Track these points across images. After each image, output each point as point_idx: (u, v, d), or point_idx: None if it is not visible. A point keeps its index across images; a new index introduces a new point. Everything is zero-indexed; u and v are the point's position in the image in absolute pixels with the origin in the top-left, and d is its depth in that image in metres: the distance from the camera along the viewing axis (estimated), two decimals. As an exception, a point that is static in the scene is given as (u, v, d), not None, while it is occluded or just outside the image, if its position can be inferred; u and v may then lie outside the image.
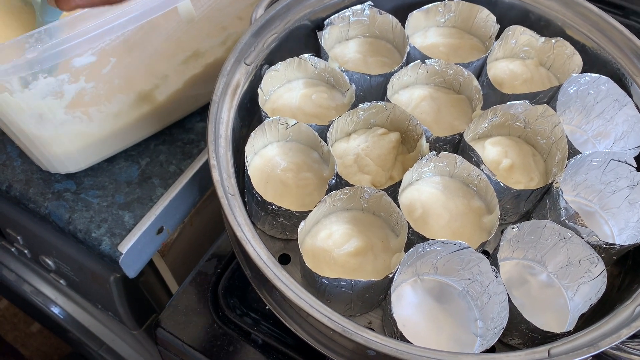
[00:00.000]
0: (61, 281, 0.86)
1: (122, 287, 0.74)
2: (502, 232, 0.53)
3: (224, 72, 0.54)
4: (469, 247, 0.49)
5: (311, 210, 0.51)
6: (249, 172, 0.53)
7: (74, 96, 0.61)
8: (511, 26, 0.62)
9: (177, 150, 0.73)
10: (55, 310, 0.96)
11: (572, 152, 0.55)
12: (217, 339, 0.61)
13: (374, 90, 0.61)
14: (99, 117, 0.65)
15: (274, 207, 0.52)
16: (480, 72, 0.63)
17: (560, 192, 0.51)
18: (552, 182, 0.53)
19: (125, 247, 0.65)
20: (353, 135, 0.60)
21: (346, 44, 0.66)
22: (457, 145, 0.58)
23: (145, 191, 0.69)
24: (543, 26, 0.64)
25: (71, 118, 0.63)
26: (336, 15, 0.63)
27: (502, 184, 0.53)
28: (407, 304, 0.52)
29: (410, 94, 0.62)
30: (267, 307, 0.62)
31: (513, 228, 0.51)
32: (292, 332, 0.53)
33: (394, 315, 0.46)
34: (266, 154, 0.58)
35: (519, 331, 0.49)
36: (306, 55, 0.60)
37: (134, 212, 0.67)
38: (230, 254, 0.67)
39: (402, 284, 0.53)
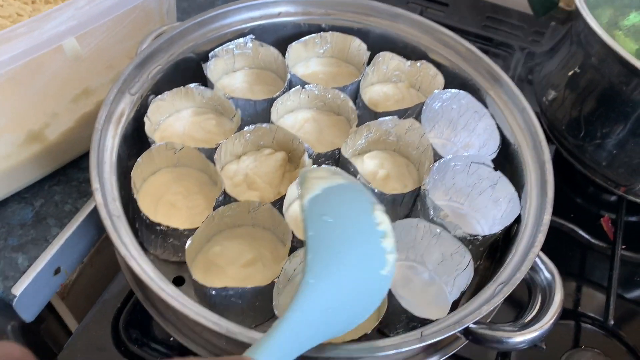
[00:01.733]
0: (-47, 338, 0.81)
1: (21, 336, 0.71)
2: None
3: (107, 102, 0.56)
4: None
5: (198, 227, 0.53)
6: (137, 198, 0.55)
7: (-45, 136, 0.60)
8: (381, 52, 0.69)
9: (72, 190, 0.72)
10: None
11: (439, 159, 0.61)
12: (120, 374, 0.61)
13: (259, 115, 0.65)
14: (-14, 160, 0.64)
15: (161, 227, 0.53)
16: (356, 95, 0.68)
17: (427, 193, 0.56)
18: (421, 186, 0.58)
19: (19, 289, 0.63)
20: (243, 157, 0.63)
21: (233, 75, 0.70)
22: (337, 160, 0.62)
23: (40, 232, 0.68)
24: (410, 51, 0.71)
25: (-46, 160, 0.62)
26: (220, 47, 0.67)
27: (376, 190, 0.57)
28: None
29: (294, 117, 0.67)
30: (171, 339, 0.63)
31: (387, 227, 0.55)
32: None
33: (277, 313, 0.48)
34: (155, 180, 0.59)
35: (401, 322, 0.52)
36: (192, 85, 0.63)
37: (28, 253, 0.66)
38: (130, 288, 0.67)
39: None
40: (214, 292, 0.49)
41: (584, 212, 0.83)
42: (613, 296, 0.68)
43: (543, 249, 0.53)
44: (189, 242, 0.51)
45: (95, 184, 0.50)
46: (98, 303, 0.66)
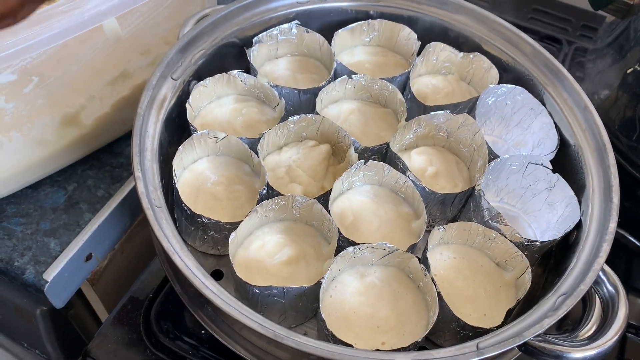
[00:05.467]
0: (-19, 320, 0.80)
1: (49, 321, 0.70)
2: (431, 236, 0.54)
3: (150, 86, 0.54)
4: (397, 249, 0.50)
5: (242, 221, 0.50)
6: (177, 187, 0.52)
7: (-8, 116, 0.58)
8: (431, 43, 0.65)
9: (105, 175, 0.71)
10: (-26, 355, 0.89)
11: (494, 158, 0.58)
12: (150, 366, 0.59)
13: (303, 105, 0.62)
14: (22, 143, 0.63)
15: (203, 219, 0.51)
16: (404, 86, 0.65)
17: (482, 194, 0.53)
18: (475, 186, 0.55)
19: (50, 275, 0.62)
20: (284, 149, 0.60)
21: (276, 61, 0.67)
22: (384, 155, 0.59)
23: (72, 217, 0.67)
24: (462, 42, 0.67)
25: (-9, 142, 0.60)
26: (264, 33, 0.64)
27: (427, 189, 0.54)
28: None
29: (339, 108, 0.64)
30: (202, 332, 0.61)
31: (439, 229, 0.52)
32: (228, 355, 0.52)
33: (322, 315, 0.46)
34: (196, 169, 0.57)
35: (450, 330, 0.49)
36: (235, 71, 0.61)
37: (60, 238, 0.65)
38: (163, 277, 0.65)
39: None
40: (257, 291, 0.47)
41: (633, 216, 0.79)
42: (664, 308, 0.65)
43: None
44: (232, 236, 0.49)
45: (137, 173, 0.48)
46: (130, 292, 0.65)
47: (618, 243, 0.74)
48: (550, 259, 0.58)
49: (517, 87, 0.61)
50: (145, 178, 0.49)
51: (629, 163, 0.74)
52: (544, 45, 0.95)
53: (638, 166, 0.74)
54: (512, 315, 0.50)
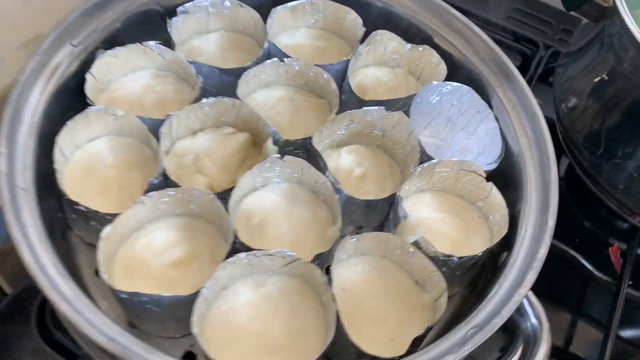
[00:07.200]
0: None
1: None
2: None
3: (39, 51, 0.48)
4: (299, 259, 0.44)
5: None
6: (58, 167, 0.46)
7: None
8: (378, 30, 0.59)
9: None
10: None
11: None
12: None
13: (226, 86, 0.56)
14: None
15: (80, 207, 0.45)
16: (344, 76, 0.58)
17: (400, 200, 0.47)
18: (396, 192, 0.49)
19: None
20: (200, 134, 0.54)
21: (207, 36, 0.61)
22: (309, 151, 0.53)
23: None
24: (414, 33, 0.61)
25: None
26: (192, 3, 0.58)
27: (345, 193, 0.48)
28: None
29: (268, 94, 0.57)
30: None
31: (352, 238, 0.46)
32: None
33: (195, 329, 0.40)
34: (91, 149, 0.51)
35: (350, 356, 0.43)
36: (152, 42, 0.54)
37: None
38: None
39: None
40: (124, 296, 0.40)
41: (591, 237, 0.74)
42: (612, 338, 0.59)
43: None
44: (107, 229, 0.43)
45: (1, 148, 0.42)
46: (24, 281, 0.58)
47: (572, 267, 0.69)
48: (481, 279, 0.52)
49: (463, 86, 0.55)
50: (13, 154, 0.42)
51: (591, 180, 0.68)
52: (519, 46, 0.89)
53: (600, 185, 0.68)
54: (422, 344, 0.44)
